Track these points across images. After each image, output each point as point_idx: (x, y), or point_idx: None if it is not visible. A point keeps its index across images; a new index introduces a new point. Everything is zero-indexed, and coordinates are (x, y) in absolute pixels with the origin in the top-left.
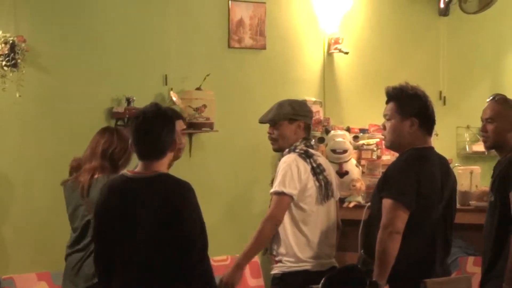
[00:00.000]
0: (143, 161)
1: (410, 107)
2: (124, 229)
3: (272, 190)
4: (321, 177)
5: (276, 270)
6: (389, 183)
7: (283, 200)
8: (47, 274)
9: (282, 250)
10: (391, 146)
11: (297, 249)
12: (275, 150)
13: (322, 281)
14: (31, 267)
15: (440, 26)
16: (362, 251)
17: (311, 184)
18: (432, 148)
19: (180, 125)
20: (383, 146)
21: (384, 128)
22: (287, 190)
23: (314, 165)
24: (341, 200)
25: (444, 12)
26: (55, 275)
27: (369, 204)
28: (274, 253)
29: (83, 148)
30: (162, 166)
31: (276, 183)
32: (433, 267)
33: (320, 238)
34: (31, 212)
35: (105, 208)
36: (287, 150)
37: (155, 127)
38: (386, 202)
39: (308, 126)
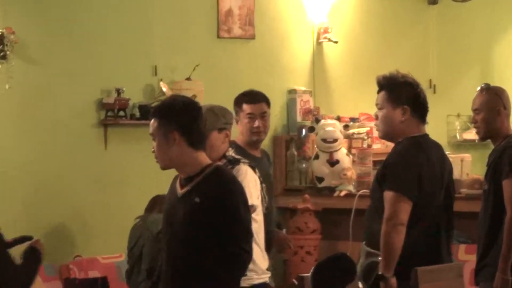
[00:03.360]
0: (202, 151)
1: (401, 95)
2: None
3: None
4: (262, 186)
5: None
6: (389, 175)
7: (254, 213)
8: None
9: None
10: (384, 135)
11: (258, 261)
12: None
13: (311, 270)
14: None
15: (429, 14)
16: (364, 243)
17: (259, 195)
18: (427, 136)
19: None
20: (374, 135)
21: (377, 117)
22: (252, 202)
23: (259, 175)
24: (332, 189)
25: (433, 0)
26: (47, 266)
27: (360, 192)
28: None
29: (72, 140)
30: None
31: None
32: (439, 255)
33: (263, 248)
34: (22, 204)
35: None
36: (224, 160)
37: None
38: (388, 195)
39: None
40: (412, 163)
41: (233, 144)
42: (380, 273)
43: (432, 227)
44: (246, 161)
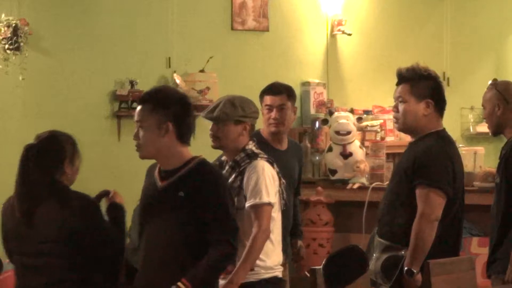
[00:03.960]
0: (187, 146)
1: (425, 88)
2: None
3: (256, 202)
4: (281, 182)
5: (249, 278)
6: (422, 170)
7: (269, 211)
8: None
9: None
10: (405, 128)
11: (267, 257)
12: (215, 147)
13: (323, 262)
14: None
15: (444, 6)
16: (377, 236)
17: (276, 191)
18: (445, 130)
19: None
20: (387, 128)
21: (396, 110)
22: (268, 199)
23: (277, 170)
24: (345, 182)
25: None
26: None
27: (373, 185)
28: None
29: (86, 131)
30: None
31: (257, 194)
32: (457, 250)
33: (279, 245)
34: None
35: None
36: (243, 154)
37: None
38: (422, 190)
39: (253, 127)
40: (445, 158)
41: (255, 137)
42: (407, 268)
43: (454, 222)
44: (265, 156)
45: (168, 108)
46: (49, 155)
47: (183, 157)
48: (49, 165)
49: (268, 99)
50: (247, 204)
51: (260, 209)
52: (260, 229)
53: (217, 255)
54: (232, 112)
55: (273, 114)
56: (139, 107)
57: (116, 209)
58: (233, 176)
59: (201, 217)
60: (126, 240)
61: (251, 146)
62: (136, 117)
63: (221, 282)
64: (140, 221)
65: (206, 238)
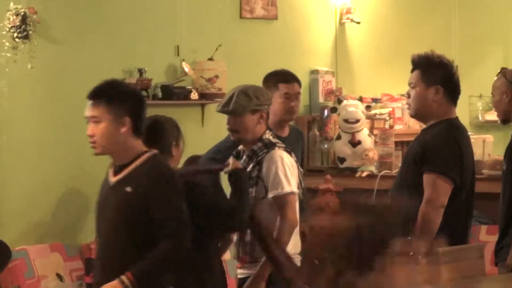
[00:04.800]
0: (140, 139)
1: (435, 75)
2: None
3: (278, 192)
4: (299, 171)
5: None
6: (431, 157)
7: (293, 200)
8: (60, 245)
9: None
10: (416, 114)
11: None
12: (236, 140)
13: None
14: (44, 238)
15: None
16: None
17: (297, 180)
18: (458, 118)
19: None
20: (396, 116)
21: (409, 96)
22: (290, 189)
23: (295, 159)
24: (354, 170)
25: None
26: (68, 246)
27: (382, 173)
28: (256, 255)
29: None
30: None
31: (278, 185)
32: (465, 238)
33: (296, 234)
34: (43, 183)
35: None
36: (260, 144)
37: None
38: (430, 176)
39: (268, 114)
40: (454, 146)
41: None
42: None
43: (462, 210)
44: (282, 145)
45: (125, 103)
46: (156, 141)
47: (136, 151)
48: (158, 150)
49: (286, 87)
50: (270, 196)
51: (283, 199)
52: (285, 222)
53: (163, 251)
54: (247, 103)
55: (293, 102)
56: (91, 102)
57: (239, 174)
58: (251, 166)
59: (149, 213)
60: None
61: (268, 135)
62: (89, 113)
63: (239, 270)
64: (96, 218)
65: (155, 235)
